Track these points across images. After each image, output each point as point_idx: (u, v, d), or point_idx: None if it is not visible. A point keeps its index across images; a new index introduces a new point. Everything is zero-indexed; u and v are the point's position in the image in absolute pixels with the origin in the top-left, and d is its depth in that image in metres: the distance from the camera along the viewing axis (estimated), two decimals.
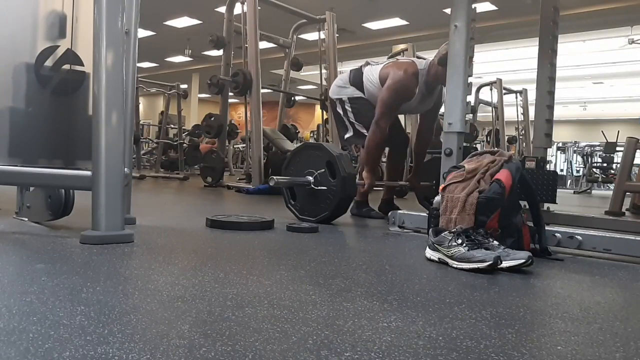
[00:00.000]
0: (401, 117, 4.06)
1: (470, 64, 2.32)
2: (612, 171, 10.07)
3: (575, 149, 13.93)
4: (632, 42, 9.97)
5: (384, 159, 4.38)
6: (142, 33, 11.45)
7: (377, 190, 3.81)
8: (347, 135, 3.20)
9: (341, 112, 3.20)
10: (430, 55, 3.14)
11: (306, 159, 2.82)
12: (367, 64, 3.20)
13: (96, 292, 1.11)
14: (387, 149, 3.75)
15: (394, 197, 3.58)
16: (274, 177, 2.72)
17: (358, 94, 3.14)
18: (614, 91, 16.78)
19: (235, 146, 12.21)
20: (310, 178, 2.76)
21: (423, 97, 3.03)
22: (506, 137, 10.36)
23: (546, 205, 2.52)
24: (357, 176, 3.44)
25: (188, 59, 14.22)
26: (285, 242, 2.07)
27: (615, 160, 10.16)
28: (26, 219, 2.16)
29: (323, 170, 2.73)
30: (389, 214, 2.59)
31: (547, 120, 2.69)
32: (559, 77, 2.88)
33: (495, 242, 1.69)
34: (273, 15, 6.39)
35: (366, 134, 3.07)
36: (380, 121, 2.97)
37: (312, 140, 10.60)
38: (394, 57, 4.63)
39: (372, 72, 3.10)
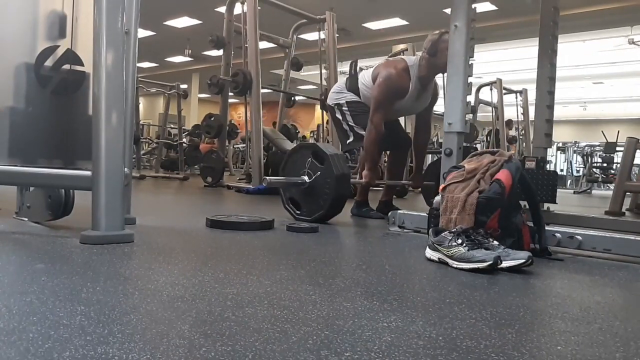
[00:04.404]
0: (401, 119, 4.02)
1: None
2: (612, 171, 10.08)
3: (575, 149, 13.95)
4: (631, 42, 9.97)
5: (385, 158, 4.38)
6: (142, 33, 11.45)
7: (377, 190, 3.81)
8: (348, 141, 3.21)
9: (340, 117, 3.21)
10: None
11: (302, 159, 2.81)
12: (361, 69, 3.23)
13: (96, 292, 1.11)
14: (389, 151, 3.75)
15: (394, 197, 3.58)
16: (267, 177, 2.72)
17: (355, 98, 3.16)
18: (613, 91, 16.79)
19: (235, 146, 12.21)
20: (305, 177, 2.75)
21: (419, 94, 3.03)
22: (506, 137, 10.35)
23: (546, 205, 2.51)
24: (357, 176, 3.44)
25: (188, 59, 14.22)
26: (285, 242, 2.07)
27: (615, 161, 10.16)
28: (26, 219, 2.16)
29: (318, 172, 2.71)
30: (389, 214, 2.59)
31: (547, 120, 2.69)
32: (559, 77, 2.88)
33: (495, 242, 1.69)
34: (273, 15, 6.39)
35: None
36: (373, 118, 2.98)
37: (312, 140, 10.60)
38: (393, 57, 4.64)
39: (365, 76, 3.13)
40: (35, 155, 2.05)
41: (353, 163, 7.55)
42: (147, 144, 10.80)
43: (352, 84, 3.18)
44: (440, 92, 3.52)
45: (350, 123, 3.17)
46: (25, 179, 1.94)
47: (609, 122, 17.94)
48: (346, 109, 3.17)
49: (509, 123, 10.66)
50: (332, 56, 6.37)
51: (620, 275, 1.70)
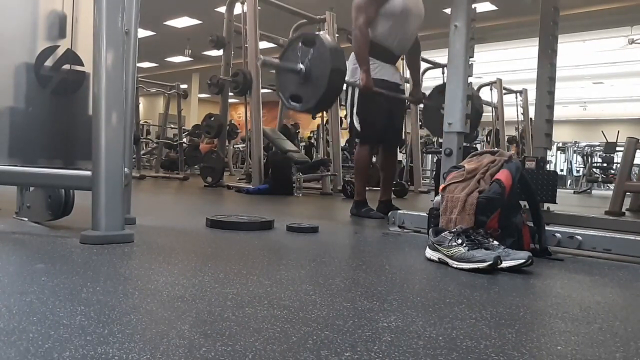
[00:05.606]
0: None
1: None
2: (612, 171, 10.09)
3: (575, 149, 13.97)
4: (632, 42, 9.98)
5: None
6: (142, 33, 11.45)
7: (376, 190, 3.81)
8: (348, 121, 3.17)
9: (349, 97, 3.12)
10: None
11: (293, 52, 2.73)
12: None
13: (96, 292, 1.11)
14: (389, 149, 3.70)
15: (393, 197, 3.57)
16: (261, 57, 2.69)
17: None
18: (614, 91, 16.79)
19: (235, 146, 12.21)
20: (300, 64, 2.67)
21: None
22: (506, 137, 10.36)
23: (546, 205, 2.51)
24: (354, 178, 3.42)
25: (188, 59, 14.23)
26: (285, 242, 2.07)
27: (615, 161, 10.17)
28: (26, 219, 2.16)
29: (311, 52, 2.64)
30: (389, 213, 2.59)
31: (547, 120, 2.69)
32: (559, 77, 2.87)
33: (495, 242, 1.69)
34: (273, 15, 6.39)
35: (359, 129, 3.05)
36: (356, 22, 2.99)
37: (312, 140, 10.59)
38: None
39: None
40: (35, 155, 2.05)
41: (347, 163, 7.55)
42: (146, 144, 10.80)
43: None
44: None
45: (354, 109, 3.08)
46: (25, 179, 1.94)
47: (609, 122, 17.93)
48: (357, 92, 3.07)
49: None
50: None
51: (620, 275, 1.70)
